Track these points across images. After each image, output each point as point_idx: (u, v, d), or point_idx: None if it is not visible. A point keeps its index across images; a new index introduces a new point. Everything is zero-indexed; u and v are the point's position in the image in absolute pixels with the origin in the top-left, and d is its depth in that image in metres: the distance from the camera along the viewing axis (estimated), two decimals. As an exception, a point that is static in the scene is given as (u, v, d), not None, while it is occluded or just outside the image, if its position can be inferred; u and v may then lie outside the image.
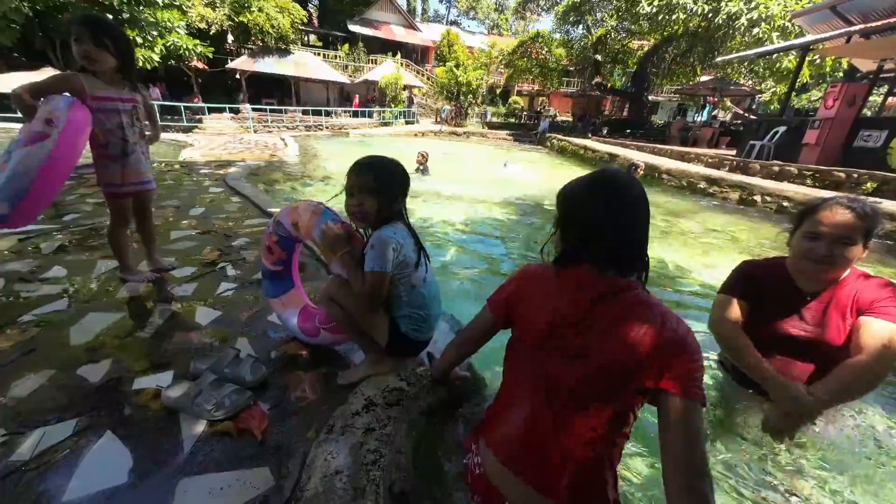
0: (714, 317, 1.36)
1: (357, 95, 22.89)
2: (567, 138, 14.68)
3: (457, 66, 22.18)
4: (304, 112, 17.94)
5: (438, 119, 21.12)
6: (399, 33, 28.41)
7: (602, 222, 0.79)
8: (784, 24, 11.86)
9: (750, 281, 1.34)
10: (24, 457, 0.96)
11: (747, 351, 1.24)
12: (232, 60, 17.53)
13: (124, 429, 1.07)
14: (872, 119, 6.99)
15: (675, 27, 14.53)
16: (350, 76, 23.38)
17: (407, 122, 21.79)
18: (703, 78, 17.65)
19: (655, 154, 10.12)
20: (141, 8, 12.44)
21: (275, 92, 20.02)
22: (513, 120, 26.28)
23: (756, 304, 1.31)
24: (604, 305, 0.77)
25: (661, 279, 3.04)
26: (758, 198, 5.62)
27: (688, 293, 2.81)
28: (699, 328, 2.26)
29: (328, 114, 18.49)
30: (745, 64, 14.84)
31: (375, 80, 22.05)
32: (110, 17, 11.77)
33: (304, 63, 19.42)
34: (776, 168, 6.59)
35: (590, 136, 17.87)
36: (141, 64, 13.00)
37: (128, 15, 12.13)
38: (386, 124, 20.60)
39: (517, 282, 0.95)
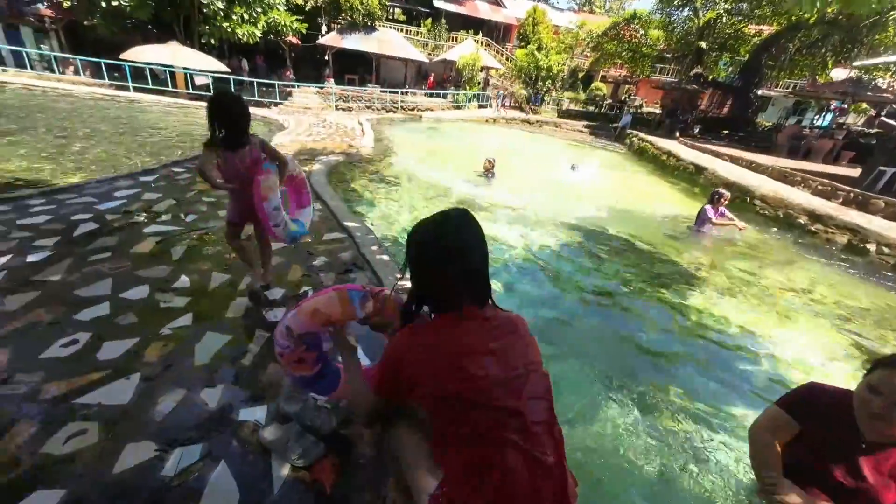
0: (757, 424, 1.40)
1: (433, 74, 22.88)
2: (650, 138, 13.42)
3: (538, 49, 21.08)
4: (382, 91, 18.46)
5: (497, 106, 20.44)
6: (483, 9, 27.44)
7: (479, 265, 0.98)
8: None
9: (811, 408, 1.30)
10: (169, 473, 1.32)
11: (769, 464, 1.30)
12: (322, 36, 18.37)
13: (233, 460, 1.39)
14: None
15: (808, 12, 12.29)
16: (429, 54, 23.33)
17: (479, 106, 21.44)
18: (835, 76, 14.94)
19: (752, 170, 8.97)
20: (248, -15, 13.42)
21: (357, 68, 20.71)
22: (592, 108, 24.57)
23: (810, 432, 1.28)
24: (509, 331, 0.98)
25: (717, 344, 2.87)
26: (872, 247, 4.86)
27: (743, 370, 2.64)
28: (744, 412, 2.17)
29: (404, 93, 18.85)
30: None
31: (453, 59, 21.78)
32: (223, -6, 12.96)
33: (388, 40, 19.73)
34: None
35: (678, 135, 16.21)
36: (245, 39, 14.23)
37: (237, -8, 13.19)
38: (458, 107, 20.48)
39: (406, 354, 0.96)
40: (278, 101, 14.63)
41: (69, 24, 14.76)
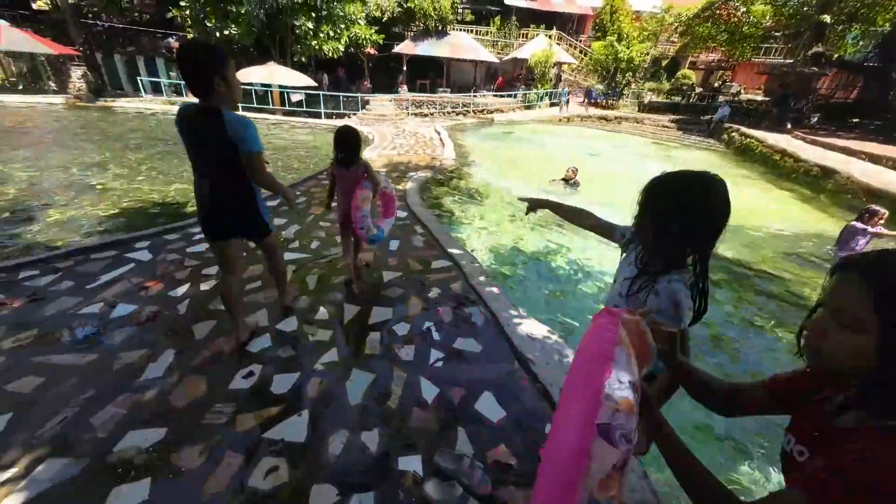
0: None
1: (503, 74, 22.57)
2: (755, 133, 11.74)
3: (619, 40, 19.68)
4: (452, 94, 18.69)
5: (563, 106, 19.44)
6: (556, 2, 26.37)
7: None
8: None
9: None
10: (354, 519, 1.46)
11: None
12: (397, 45, 19.08)
13: (404, 513, 1.50)
14: None
15: None
16: (498, 53, 23.06)
17: (552, 104, 20.69)
18: None
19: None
20: (334, 3, 14.38)
21: (428, 72, 21.19)
22: (678, 99, 22.32)
23: None
24: None
25: None
26: None
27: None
28: None
29: (473, 95, 18.89)
30: None
31: (524, 57, 21.25)
32: (313, 15, 14.08)
33: (459, 44, 19.88)
34: None
35: (788, 126, 14.06)
36: (330, 54, 15.32)
37: (325, 12, 14.21)
38: (529, 106, 19.97)
39: None
40: (357, 111, 15.53)
41: (190, 53, 17.17)
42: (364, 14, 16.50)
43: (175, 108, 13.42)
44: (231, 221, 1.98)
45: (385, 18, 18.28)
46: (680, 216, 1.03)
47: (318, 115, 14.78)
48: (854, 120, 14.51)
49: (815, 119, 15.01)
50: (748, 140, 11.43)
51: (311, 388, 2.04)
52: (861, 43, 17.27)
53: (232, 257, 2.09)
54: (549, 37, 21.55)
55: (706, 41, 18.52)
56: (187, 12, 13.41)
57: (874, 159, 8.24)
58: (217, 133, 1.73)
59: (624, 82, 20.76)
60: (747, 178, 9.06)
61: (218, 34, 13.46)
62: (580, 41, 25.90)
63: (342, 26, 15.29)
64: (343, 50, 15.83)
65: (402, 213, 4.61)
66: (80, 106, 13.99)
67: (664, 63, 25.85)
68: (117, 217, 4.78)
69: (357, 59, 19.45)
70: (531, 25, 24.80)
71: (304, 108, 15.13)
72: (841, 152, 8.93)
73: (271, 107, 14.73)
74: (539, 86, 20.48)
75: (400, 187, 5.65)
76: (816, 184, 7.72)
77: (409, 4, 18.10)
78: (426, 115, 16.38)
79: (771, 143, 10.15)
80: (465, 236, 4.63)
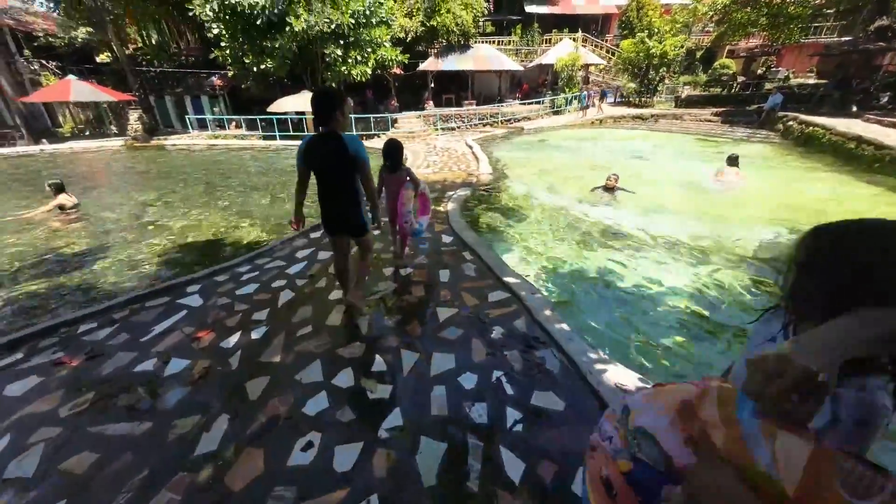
0: None
1: (527, 81, 22.27)
2: (816, 120, 10.64)
3: (650, 36, 18.86)
4: (478, 106, 18.57)
5: (580, 108, 18.84)
6: (577, 4, 25.88)
7: None
8: None
9: None
10: None
11: None
12: (422, 62, 19.30)
13: None
14: None
15: None
16: (521, 61, 22.82)
17: (583, 108, 20.08)
18: None
19: None
20: (361, 30, 14.75)
21: (452, 86, 21.25)
22: (719, 90, 20.99)
23: None
24: None
25: None
26: None
27: None
28: None
29: (499, 105, 18.66)
30: None
31: (550, 63, 20.86)
32: (341, 42, 14.48)
33: (482, 55, 19.84)
34: None
35: (854, 109, 12.72)
36: (358, 78, 15.69)
37: (353, 38, 14.58)
38: (557, 112, 19.47)
39: None
40: (388, 130, 15.71)
41: (231, 89, 18.24)
42: (389, 37, 16.85)
43: (218, 142, 14.15)
44: (344, 219, 2.64)
45: (409, 38, 18.58)
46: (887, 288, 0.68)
47: (349, 138, 15.11)
48: (934, 97, 12.88)
49: (886, 99, 13.50)
50: (812, 129, 10.37)
51: (378, 464, 1.79)
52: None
53: (343, 245, 2.82)
54: (574, 40, 21.04)
55: (746, 27, 17.33)
56: (227, 51, 14.20)
57: (977, 141, 7.14)
58: (340, 149, 2.35)
59: (658, 78, 19.79)
60: (816, 172, 8.12)
61: (255, 69, 14.13)
62: (606, 41, 25.18)
63: (369, 50, 15.64)
64: (370, 72, 16.19)
65: (447, 238, 4.38)
66: (137, 147, 15.11)
67: (699, 55, 24.56)
68: (173, 253, 4.87)
69: (383, 79, 19.83)
70: (553, 31, 24.45)
71: (336, 132, 15.53)
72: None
73: (306, 133, 15.21)
74: (567, 90, 19.95)
75: (441, 209, 5.43)
76: (907, 172, 6.73)
77: (431, 23, 18.31)
78: (454, 129, 16.31)
79: (842, 129, 9.10)
80: (516, 259, 4.31)
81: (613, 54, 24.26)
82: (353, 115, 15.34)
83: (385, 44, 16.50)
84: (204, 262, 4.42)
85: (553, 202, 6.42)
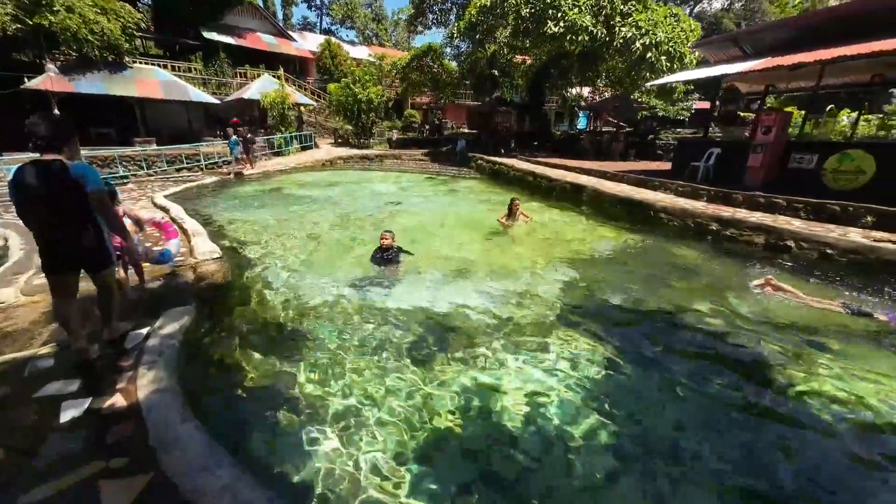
0: None
1: (235, 117, 18.58)
2: (495, 159, 13.97)
3: (354, 82, 19.84)
4: (159, 143, 13.43)
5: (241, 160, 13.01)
6: (269, 42, 24.41)
7: None
8: (669, 49, 13.17)
9: None
10: None
11: None
12: (28, 78, 12.01)
13: None
14: (801, 143, 7.74)
15: (574, 47, 14.81)
16: (214, 92, 18.89)
17: (303, 148, 18.59)
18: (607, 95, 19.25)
19: (605, 178, 9.96)
20: None
21: (112, 118, 14.63)
22: (414, 135, 25.02)
23: None
24: None
25: None
26: (791, 243, 5.42)
27: None
28: None
29: (193, 141, 14.25)
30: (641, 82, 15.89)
31: (254, 98, 18.18)
32: None
33: (152, 80, 14.69)
34: (761, 199, 6.72)
35: (502, 151, 17.53)
36: None
37: None
38: (279, 153, 17.10)
39: None
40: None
41: None
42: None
43: None
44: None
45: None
46: None
47: None
48: (535, 143, 19.77)
49: (513, 146, 19.57)
50: (497, 166, 13.24)
51: None
52: (520, 90, 23.47)
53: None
54: (278, 77, 19.33)
55: (419, 86, 21.22)
56: None
57: (585, 171, 10.79)
58: None
59: (371, 122, 21.16)
60: (527, 201, 10.08)
61: None
62: (308, 83, 24.93)
63: None
64: None
65: None
66: None
67: (390, 104, 28.61)
68: None
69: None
70: (247, 65, 21.80)
71: None
72: (555, 168, 11.41)
73: None
74: (283, 129, 17.93)
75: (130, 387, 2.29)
76: (576, 198, 9.14)
77: (38, 21, 11.66)
78: (125, 181, 10.87)
79: (519, 166, 11.95)
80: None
81: (319, 96, 24.30)
82: None
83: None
84: None
85: (322, 293, 4.29)
